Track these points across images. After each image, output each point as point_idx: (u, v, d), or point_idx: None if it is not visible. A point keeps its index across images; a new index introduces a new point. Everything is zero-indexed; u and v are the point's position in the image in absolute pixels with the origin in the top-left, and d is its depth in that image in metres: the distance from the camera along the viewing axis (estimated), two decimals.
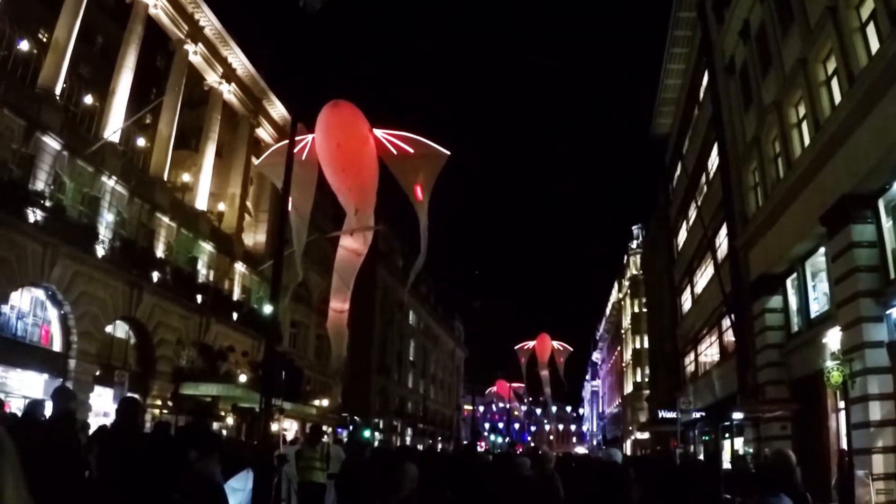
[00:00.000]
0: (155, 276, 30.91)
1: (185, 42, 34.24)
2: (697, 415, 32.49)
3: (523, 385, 66.32)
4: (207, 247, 36.89)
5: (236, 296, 40.01)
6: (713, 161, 33.22)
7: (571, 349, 52.25)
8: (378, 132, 14.97)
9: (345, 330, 16.43)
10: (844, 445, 17.80)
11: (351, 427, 52.14)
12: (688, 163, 37.72)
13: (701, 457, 28.19)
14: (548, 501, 8.90)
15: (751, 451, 24.99)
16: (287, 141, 15.21)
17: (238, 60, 38.95)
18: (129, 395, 20.87)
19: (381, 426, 64.65)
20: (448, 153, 15.49)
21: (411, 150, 15.09)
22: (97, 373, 26.96)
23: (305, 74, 14.81)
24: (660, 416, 42.19)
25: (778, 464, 7.45)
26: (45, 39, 27.50)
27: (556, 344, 49.29)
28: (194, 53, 35.11)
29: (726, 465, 24.75)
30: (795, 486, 6.66)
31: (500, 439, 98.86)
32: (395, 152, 14.96)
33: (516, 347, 50.85)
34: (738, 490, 15.22)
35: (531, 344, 49.30)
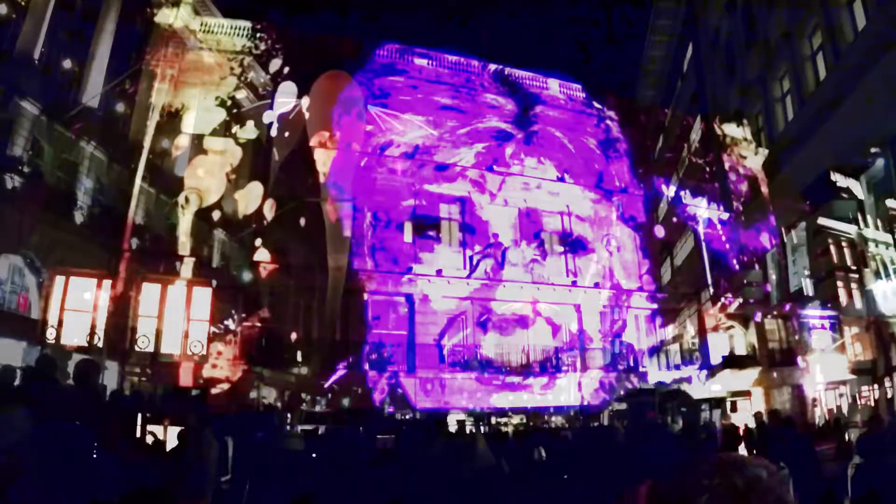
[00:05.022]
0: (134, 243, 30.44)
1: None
2: None
3: None
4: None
5: (215, 263, 39.54)
6: (696, 135, 33.12)
7: None
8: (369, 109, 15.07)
9: (340, 290, 16.55)
10: None
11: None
12: (670, 136, 37.62)
13: None
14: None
15: None
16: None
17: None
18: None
19: None
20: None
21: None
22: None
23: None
24: None
25: None
26: (23, 3, 26.89)
27: None
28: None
29: None
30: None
31: None
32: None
33: None
34: None
35: None
